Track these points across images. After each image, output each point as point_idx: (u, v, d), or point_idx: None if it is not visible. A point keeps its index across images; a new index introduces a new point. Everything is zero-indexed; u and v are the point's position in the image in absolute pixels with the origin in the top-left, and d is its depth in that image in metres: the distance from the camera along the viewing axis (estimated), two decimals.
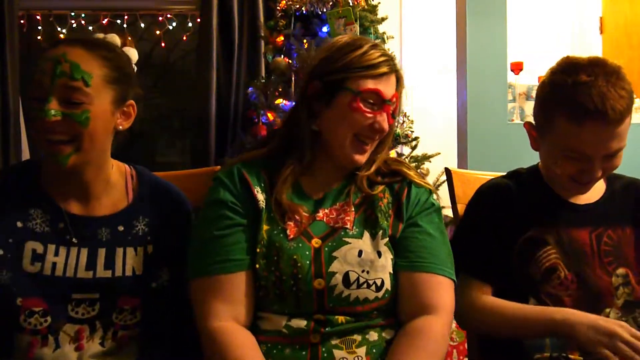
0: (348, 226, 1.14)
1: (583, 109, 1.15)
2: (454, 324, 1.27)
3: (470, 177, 1.56)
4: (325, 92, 1.16)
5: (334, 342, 1.08)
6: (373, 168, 1.20)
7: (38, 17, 3.61)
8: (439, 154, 2.82)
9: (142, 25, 3.69)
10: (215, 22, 3.28)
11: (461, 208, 1.47)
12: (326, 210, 1.17)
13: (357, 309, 1.10)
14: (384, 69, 1.15)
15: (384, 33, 2.92)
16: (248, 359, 1.03)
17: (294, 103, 1.34)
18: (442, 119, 3.47)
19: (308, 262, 1.09)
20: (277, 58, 2.78)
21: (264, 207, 1.14)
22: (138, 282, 1.16)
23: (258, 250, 1.11)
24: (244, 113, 3.19)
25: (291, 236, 1.12)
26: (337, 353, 1.06)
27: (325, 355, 1.06)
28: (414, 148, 2.78)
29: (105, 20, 3.63)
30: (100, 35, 2.17)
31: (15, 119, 3.22)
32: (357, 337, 1.09)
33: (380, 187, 1.20)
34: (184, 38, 3.78)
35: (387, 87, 1.16)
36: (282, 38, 2.82)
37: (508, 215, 1.28)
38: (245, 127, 3.06)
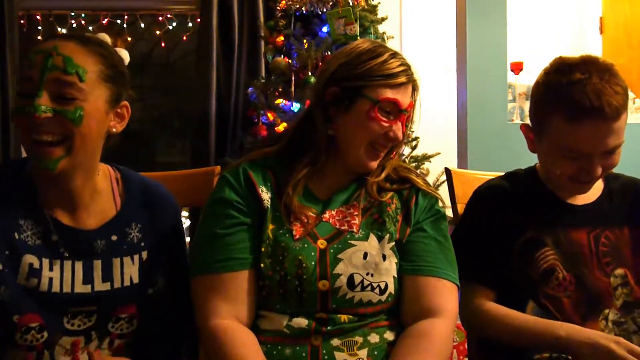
0: (354, 229, 1.14)
1: (580, 107, 1.15)
2: None
3: (470, 177, 1.56)
4: (343, 98, 1.15)
5: (335, 343, 1.07)
6: (383, 174, 1.20)
7: (38, 17, 3.61)
8: (439, 154, 2.82)
9: (142, 25, 3.69)
10: (215, 22, 3.28)
11: (461, 208, 1.47)
12: (332, 212, 1.17)
13: (360, 311, 1.10)
14: (403, 79, 1.15)
15: (384, 33, 2.92)
16: (249, 357, 1.03)
17: (307, 106, 1.33)
18: (442, 119, 3.47)
19: (313, 263, 1.09)
20: (277, 58, 2.78)
21: (269, 206, 1.14)
22: (135, 291, 1.12)
23: (263, 249, 1.11)
24: (244, 113, 3.19)
25: (297, 236, 1.12)
26: (338, 355, 1.06)
27: (326, 357, 1.06)
28: (414, 148, 2.78)
29: (105, 20, 3.63)
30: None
31: None
32: (359, 339, 1.08)
33: (389, 194, 1.20)
34: (184, 38, 3.78)
35: (404, 97, 1.16)
36: (282, 38, 2.83)
37: (506, 217, 1.28)
38: (245, 127, 3.06)
